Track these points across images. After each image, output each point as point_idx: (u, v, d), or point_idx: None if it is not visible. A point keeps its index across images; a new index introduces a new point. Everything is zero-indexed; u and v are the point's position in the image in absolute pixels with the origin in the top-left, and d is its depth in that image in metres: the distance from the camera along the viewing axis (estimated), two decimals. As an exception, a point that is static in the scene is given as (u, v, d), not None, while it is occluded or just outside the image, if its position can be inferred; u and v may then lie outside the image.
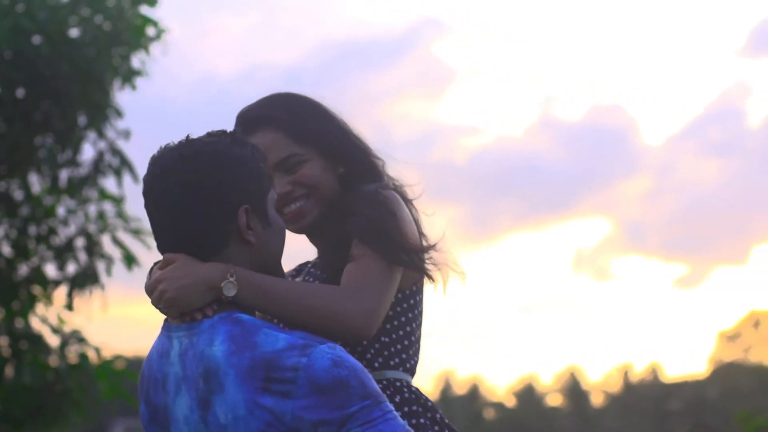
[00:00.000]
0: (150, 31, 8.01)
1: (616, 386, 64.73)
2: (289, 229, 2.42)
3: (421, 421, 2.41)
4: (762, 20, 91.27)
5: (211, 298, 2.10)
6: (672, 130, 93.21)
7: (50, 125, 7.75)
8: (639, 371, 64.58)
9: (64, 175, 8.01)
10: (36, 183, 8.10)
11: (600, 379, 67.68)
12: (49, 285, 8.06)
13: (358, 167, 2.50)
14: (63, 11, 7.64)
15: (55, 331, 7.97)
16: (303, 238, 2.57)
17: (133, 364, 10.21)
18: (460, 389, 67.60)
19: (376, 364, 2.43)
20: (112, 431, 41.53)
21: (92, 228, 8.10)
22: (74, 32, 7.77)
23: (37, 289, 8.06)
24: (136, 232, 8.14)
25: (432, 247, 2.41)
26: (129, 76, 7.94)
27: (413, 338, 2.49)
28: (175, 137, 2.17)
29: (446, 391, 65.91)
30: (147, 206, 2.15)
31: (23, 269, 8.07)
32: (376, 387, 2.02)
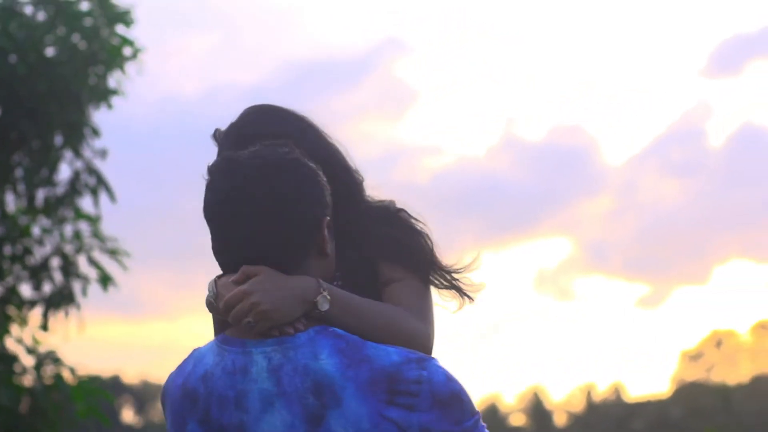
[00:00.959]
0: (126, 50, 8.01)
1: (579, 406, 64.92)
2: None
3: None
4: (723, 40, 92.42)
5: (302, 312, 2.05)
6: (633, 150, 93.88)
7: (27, 144, 7.73)
8: (602, 391, 64.89)
9: (40, 194, 7.98)
10: (11, 202, 8.06)
11: (563, 398, 67.75)
12: (24, 305, 8.00)
13: (344, 183, 2.43)
14: (40, 30, 7.63)
15: (30, 351, 7.92)
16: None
17: (108, 385, 10.15)
18: (423, 409, 67.40)
19: None
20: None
21: (68, 248, 8.06)
22: (51, 51, 7.76)
23: (11, 310, 7.99)
24: (113, 252, 8.11)
25: (468, 266, 2.38)
26: (105, 95, 7.93)
27: None
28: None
29: (410, 412, 65.74)
30: (219, 216, 2.06)
31: (-2, 289, 8.02)
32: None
